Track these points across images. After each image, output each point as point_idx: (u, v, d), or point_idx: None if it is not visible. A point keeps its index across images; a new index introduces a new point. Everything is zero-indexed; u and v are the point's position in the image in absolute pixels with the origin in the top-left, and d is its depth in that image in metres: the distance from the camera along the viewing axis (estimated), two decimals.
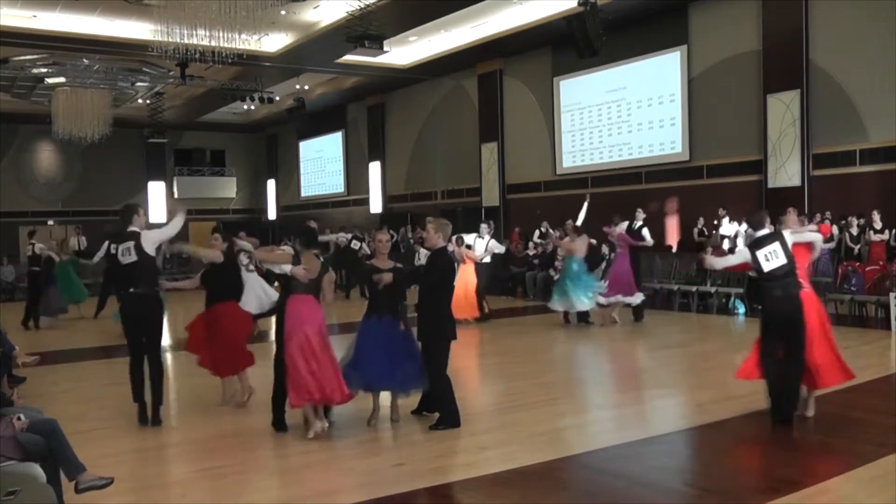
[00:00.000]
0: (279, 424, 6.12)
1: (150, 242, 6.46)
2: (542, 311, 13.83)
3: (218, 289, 7.11)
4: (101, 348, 11.06)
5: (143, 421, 6.38)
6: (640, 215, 12.43)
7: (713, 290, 13.34)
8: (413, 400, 6.34)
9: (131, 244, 6.38)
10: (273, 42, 18.93)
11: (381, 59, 20.40)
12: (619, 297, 12.11)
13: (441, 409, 6.06)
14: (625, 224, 12.34)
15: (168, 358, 9.80)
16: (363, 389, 6.07)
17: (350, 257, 17.49)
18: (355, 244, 17.93)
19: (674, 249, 16.48)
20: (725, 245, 14.59)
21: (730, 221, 15.19)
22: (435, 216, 24.26)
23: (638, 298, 12.16)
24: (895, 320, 10.39)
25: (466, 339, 10.94)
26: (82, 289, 14.91)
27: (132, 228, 6.44)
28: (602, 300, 12.13)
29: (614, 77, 18.85)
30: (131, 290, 6.42)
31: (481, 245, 13.79)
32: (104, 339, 12.04)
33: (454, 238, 12.45)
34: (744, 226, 15.15)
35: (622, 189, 18.62)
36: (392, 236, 18.43)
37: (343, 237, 18.22)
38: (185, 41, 13.66)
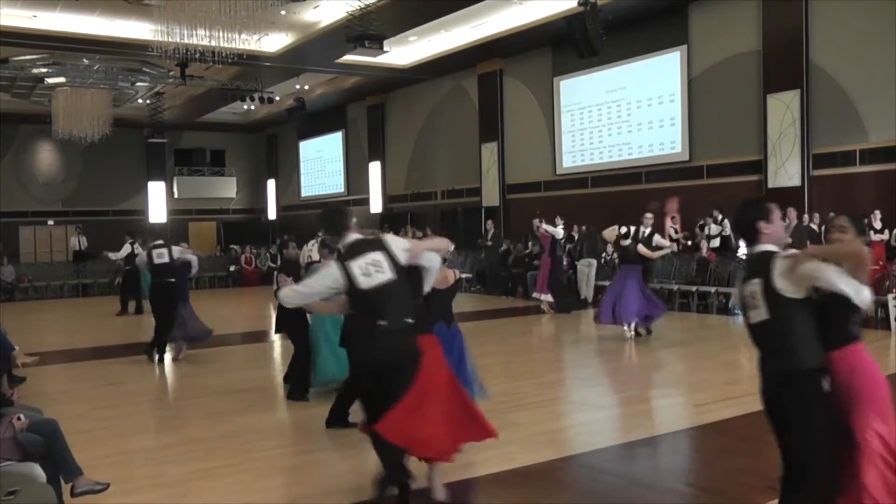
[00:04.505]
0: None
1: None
2: (542, 311, 13.85)
3: None
4: (101, 348, 11.05)
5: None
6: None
7: (713, 289, 13.33)
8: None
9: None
10: (273, 42, 18.93)
11: (381, 59, 20.39)
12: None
13: None
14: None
15: (167, 357, 9.81)
16: None
17: None
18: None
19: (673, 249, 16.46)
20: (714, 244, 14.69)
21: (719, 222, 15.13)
22: (435, 216, 24.34)
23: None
24: (895, 320, 10.39)
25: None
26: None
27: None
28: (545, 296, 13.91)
29: (614, 77, 18.85)
30: None
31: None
32: (104, 339, 12.05)
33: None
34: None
35: (622, 189, 18.63)
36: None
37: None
38: (185, 41, 13.67)
